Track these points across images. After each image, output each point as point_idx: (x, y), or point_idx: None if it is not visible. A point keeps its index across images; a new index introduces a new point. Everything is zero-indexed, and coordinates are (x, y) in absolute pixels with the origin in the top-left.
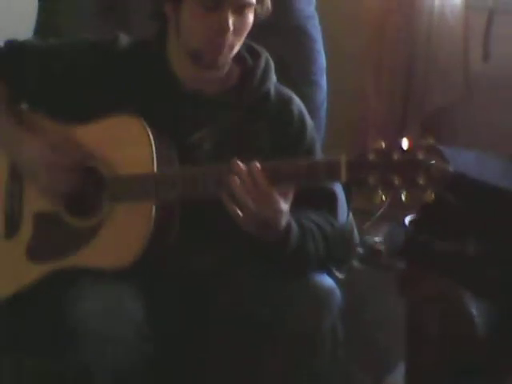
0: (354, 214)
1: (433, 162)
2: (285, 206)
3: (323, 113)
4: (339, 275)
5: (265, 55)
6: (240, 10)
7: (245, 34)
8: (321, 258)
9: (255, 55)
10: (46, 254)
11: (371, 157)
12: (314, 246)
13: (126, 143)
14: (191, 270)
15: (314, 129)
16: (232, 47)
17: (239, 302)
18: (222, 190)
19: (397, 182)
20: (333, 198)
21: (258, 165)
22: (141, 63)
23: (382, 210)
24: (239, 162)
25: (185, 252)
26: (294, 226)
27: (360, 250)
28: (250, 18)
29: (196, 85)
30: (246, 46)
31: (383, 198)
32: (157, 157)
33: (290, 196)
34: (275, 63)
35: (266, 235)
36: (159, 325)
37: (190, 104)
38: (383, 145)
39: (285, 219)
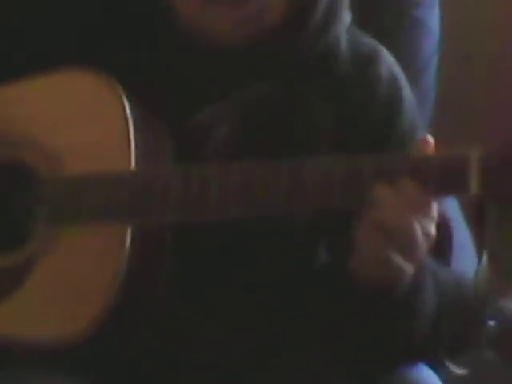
0: (486, 261)
1: None
2: None
3: (431, 75)
4: (457, 369)
5: None
6: None
7: None
8: (427, 333)
9: None
10: None
11: None
12: (428, 304)
13: (82, 119)
14: (194, 360)
15: (415, 104)
16: None
17: None
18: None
19: None
20: (443, 227)
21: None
22: None
23: None
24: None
25: (182, 325)
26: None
27: (494, 325)
28: None
29: (208, 29)
30: None
31: None
32: (136, 145)
33: None
34: None
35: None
36: None
37: (197, 61)
38: None
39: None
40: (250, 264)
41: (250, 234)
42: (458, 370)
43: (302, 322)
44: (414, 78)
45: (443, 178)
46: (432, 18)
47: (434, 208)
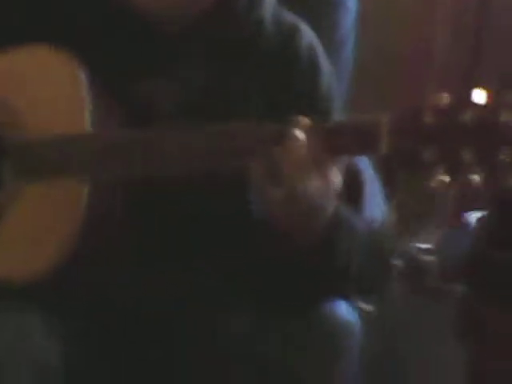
0: (393, 209)
1: None
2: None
3: (349, 50)
4: (365, 306)
5: None
6: None
7: None
8: (342, 271)
9: None
10: None
11: (427, 118)
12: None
13: (44, 84)
14: (147, 298)
15: (333, 75)
16: None
17: (221, 344)
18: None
19: (466, 155)
20: (356, 180)
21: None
22: None
23: (438, 202)
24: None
25: (138, 267)
26: (344, 212)
27: (399, 264)
28: None
29: (150, 11)
30: None
31: (444, 179)
32: (90, 108)
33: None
34: None
35: (307, 228)
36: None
37: (140, 40)
38: (446, 99)
39: (333, 203)
40: (193, 209)
41: (191, 190)
42: (367, 307)
43: (239, 263)
44: (334, 51)
45: (357, 139)
46: None
47: (332, 168)
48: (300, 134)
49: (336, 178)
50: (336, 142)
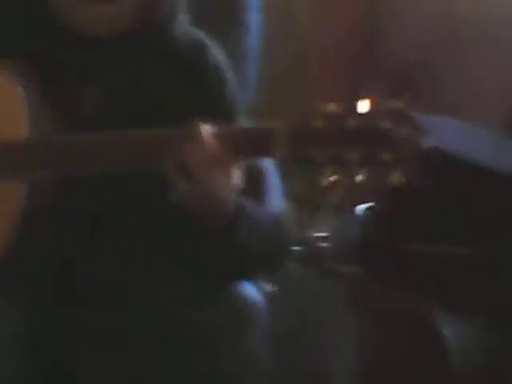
0: (291, 202)
1: (402, 131)
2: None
3: (252, 65)
4: (268, 286)
5: None
6: None
7: None
8: (246, 256)
9: None
10: None
11: (318, 124)
12: (257, 236)
13: None
14: (78, 277)
15: (236, 87)
16: None
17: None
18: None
19: (352, 157)
20: (259, 177)
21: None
22: None
23: (330, 196)
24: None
25: (69, 251)
26: (247, 205)
27: (297, 248)
28: None
29: (77, 23)
30: None
31: (332, 179)
32: (30, 118)
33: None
34: None
35: (213, 215)
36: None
37: (74, 49)
38: (335, 108)
39: (234, 195)
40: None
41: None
42: (269, 287)
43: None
44: (238, 65)
45: (254, 143)
46: (252, 17)
47: (234, 168)
48: (205, 137)
49: (237, 174)
50: (236, 145)
